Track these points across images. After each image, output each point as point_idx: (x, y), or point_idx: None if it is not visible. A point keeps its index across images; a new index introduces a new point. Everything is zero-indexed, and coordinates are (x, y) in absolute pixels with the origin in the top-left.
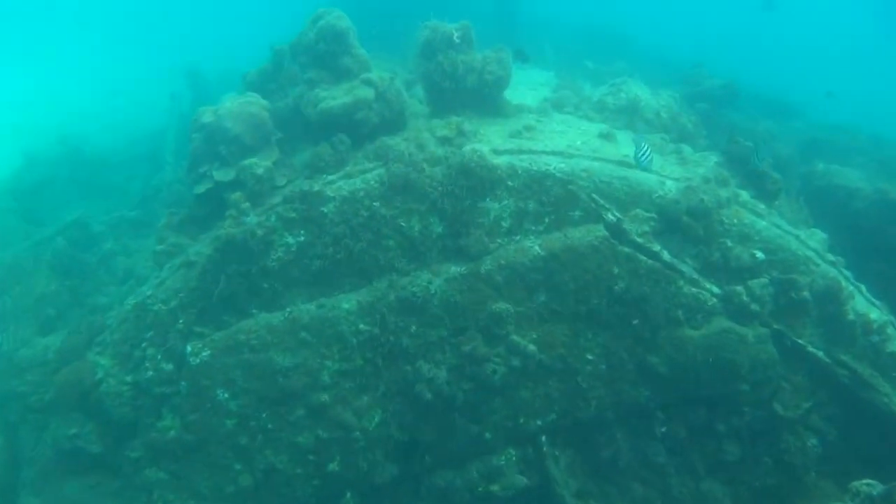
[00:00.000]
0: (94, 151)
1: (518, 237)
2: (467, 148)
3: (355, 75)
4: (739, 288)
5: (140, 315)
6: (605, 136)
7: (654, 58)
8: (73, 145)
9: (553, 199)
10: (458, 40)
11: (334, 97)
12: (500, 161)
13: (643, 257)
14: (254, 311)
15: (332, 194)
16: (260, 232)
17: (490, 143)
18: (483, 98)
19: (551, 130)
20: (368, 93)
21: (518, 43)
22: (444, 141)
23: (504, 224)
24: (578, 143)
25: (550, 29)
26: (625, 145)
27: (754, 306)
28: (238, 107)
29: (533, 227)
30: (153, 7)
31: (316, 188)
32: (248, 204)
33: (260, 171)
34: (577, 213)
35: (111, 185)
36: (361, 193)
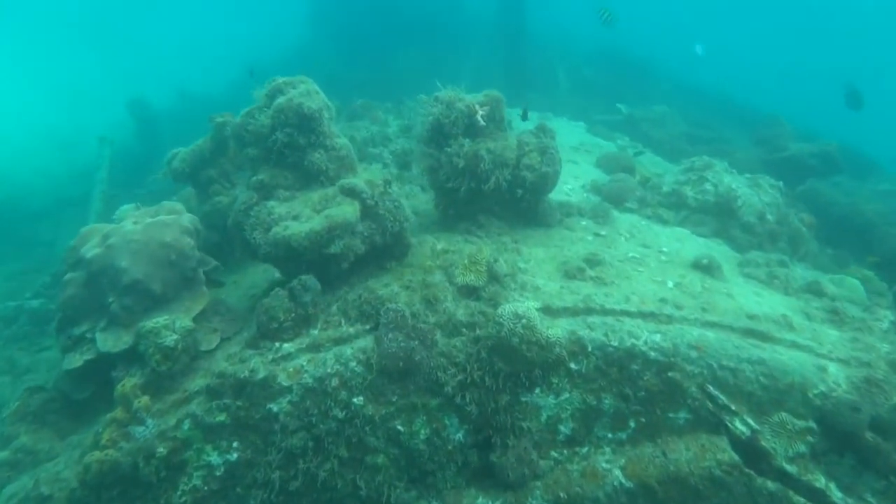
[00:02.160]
0: (7, 195)
1: (585, 450)
2: (507, 310)
3: (331, 179)
4: None
5: None
6: (705, 269)
7: (689, 90)
8: None
9: (643, 392)
10: (483, 121)
11: (298, 215)
12: (558, 331)
13: (801, 500)
14: None
15: (286, 382)
16: (162, 449)
17: (536, 287)
18: (517, 203)
19: (622, 257)
20: (350, 210)
21: (527, 67)
22: (468, 292)
23: (563, 430)
24: (669, 284)
25: (562, 50)
26: (739, 284)
27: None
28: (143, 233)
29: (610, 436)
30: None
31: (261, 374)
32: (146, 399)
33: (170, 340)
34: (683, 415)
35: (28, 240)
36: (335, 381)
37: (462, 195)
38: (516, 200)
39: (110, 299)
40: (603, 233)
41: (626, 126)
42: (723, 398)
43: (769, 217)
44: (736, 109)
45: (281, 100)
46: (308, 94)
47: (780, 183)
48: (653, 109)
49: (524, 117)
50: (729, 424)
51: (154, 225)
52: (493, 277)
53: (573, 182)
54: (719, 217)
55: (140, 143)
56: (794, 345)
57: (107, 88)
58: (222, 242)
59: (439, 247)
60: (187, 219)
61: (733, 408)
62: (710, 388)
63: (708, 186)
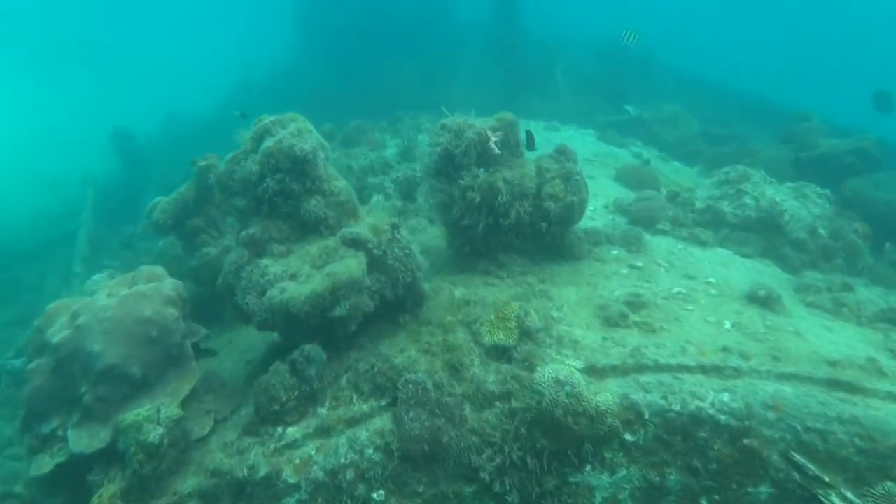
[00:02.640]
0: None
1: None
2: (546, 375)
3: (331, 228)
4: None
5: None
6: (763, 303)
7: (694, 83)
8: None
9: (715, 464)
10: (497, 148)
11: (296, 274)
12: (608, 397)
13: None
14: None
15: (293, 478)
16: None
17: (575, 341)
18: (541, 237)
19: (666, 294)
20: (355, 265)
21: (525, 70)
22: (497, 353)
23: None
24: (727, 324)
25: (559, 49)
26: (804, 318)
27: None
28: (118, 308)
29: None
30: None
31: (262, 470)
32: None
33: (154, 435)
34: (765, 489)
35: (14, 285)
36: (350, 474)
37: (479, 232)
38: (540, 234)
39: (83, 389)
40: (639, 263)
41: (635, 127)
42: (812, 468)
43: (821, 231)
44: (750, 104)
45: (269, 142)
46: (300, 133)
47: (827, 191)
48: (663, 109)
49: (530, 146)
50: (823, 499)
51: (131, 297)
52: (525, 334)
53: (594, 202)
54: (764, 234)
55: (126, 176)
56: (891, 396)
57: (94, 118)
58: (213, 298)
59: (458, 294)
60: (169, 285)
61: (826, 479)
62: (796, 456)
63: (748, 200)
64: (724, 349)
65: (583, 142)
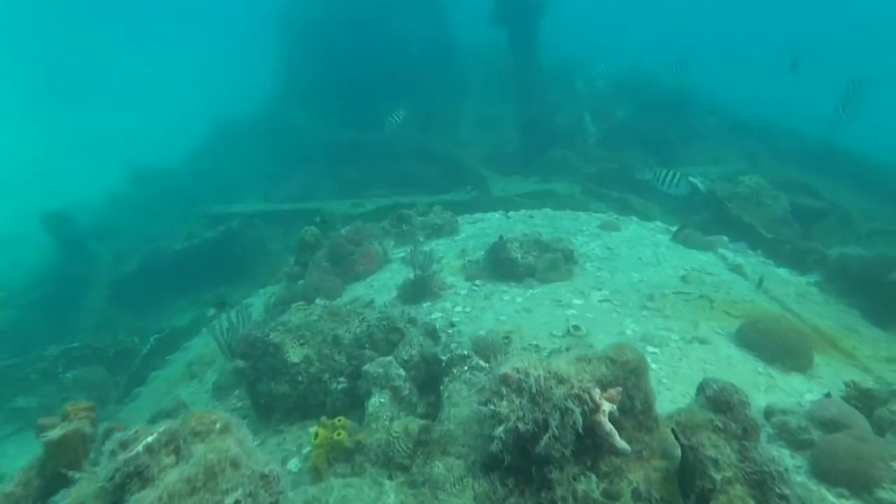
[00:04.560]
0: None
1: None
2: None
3: None
4: None
5: None
6: None
7: (743, 126)
8: None
9: None
10: (609, 425)
11: None
12: None
13: None
14: None
15: None
16: None
17: None
18: None
19: None
20: None
21: (546, 116)
22: None
23: None
24: None
25: (586, 90)
26: None
27: None
28: None
29: None
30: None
31: None
32: None
33: None
34: None
35: None
36: None
37: None
38: None
39: None
40: None
41: (706, 206)
42: None
43: None
44: (815, 150)
45: None
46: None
47: None
48: (741, 182)
49: None
50: None
51: None
52: None
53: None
54: None
55: (60, 272)
56: None
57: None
58: None
59: None
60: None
61: None
62: None
63: None
64: None
65: (655, 248)
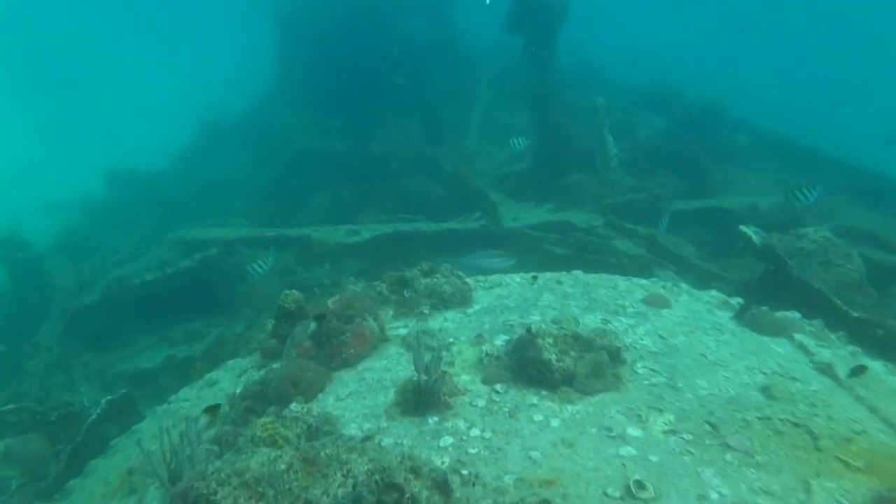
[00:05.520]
0: None
1: None
2: None
3: None
4: None
5: None
6: None
7: (776, 143)
8: None
9: None
10: None
11: None
12: None
13: None
14: None
15: None
16: None
17: None
18: None
19: None
20: None
21: (564, 134)
22: None
23: None
24: None
25: (608, 107)
26: None
27: None
28: None
29: None
30: None
31: None
32: None
33: None
34: None
35: None
36: None
37: None
38: None
39: None
40: None
41: (759, 260)
42: None
43: None
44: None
45: None
46: None
47: None
48: (805, 236)
49: None
50: None
51: None
52: None
53: None
54: None
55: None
56: None
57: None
58: None
59: None
60: None
61: None
62: None
63: None
64: None
65: (719, 335)
